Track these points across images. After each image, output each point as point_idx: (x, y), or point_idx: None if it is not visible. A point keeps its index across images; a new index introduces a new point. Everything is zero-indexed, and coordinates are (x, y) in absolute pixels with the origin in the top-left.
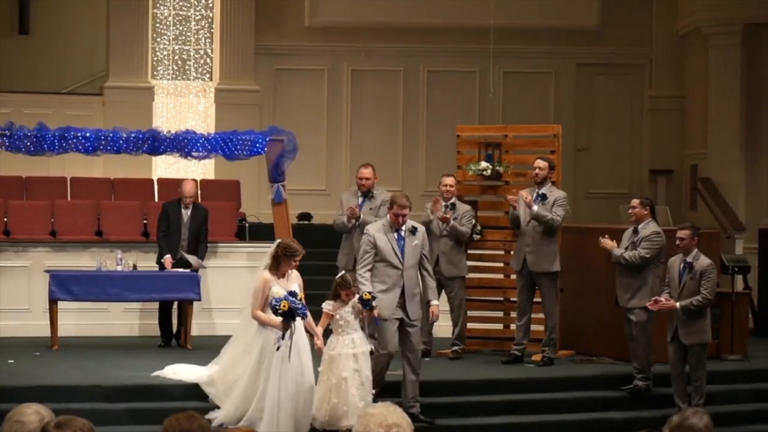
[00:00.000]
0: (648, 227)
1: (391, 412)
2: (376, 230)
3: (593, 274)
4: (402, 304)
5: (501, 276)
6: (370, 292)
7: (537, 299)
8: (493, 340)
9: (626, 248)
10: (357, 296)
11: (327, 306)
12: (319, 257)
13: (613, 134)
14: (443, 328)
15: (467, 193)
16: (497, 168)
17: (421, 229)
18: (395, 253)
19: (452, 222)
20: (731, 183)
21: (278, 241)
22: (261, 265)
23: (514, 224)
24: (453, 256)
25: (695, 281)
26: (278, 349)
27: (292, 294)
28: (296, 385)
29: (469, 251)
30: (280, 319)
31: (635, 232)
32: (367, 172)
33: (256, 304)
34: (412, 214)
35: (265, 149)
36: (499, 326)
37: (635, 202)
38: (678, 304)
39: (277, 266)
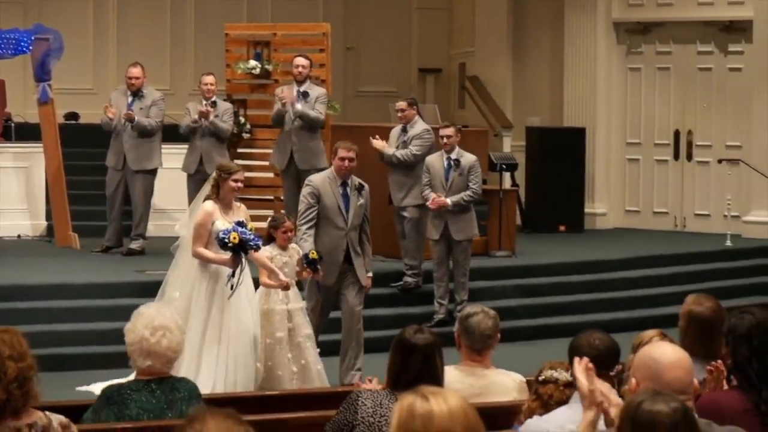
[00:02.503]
0: (417, 126)
1: (160, 314)
2: (320, 181)
3: (364, 173)
4: (346, 271)
5: (270, 175)
6: (318, 251)
7: None
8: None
9: (397, 147)
10: (302, 254)
11: (264, 252)
12: (86, 157)
13: (382, 33)
14: None
15: (236, 92)
16: (266, 67)
17: (367, 187)
18: (340, 210)
19: (212, 118)
20: (499, 81)
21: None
22: (200, 197)
23: (277, 122)
24: (215, 155)
25: (463, 177)
26: (232, 288)
27: (240, 224)
28: (251, 332)
29: (238, 150)
30: (228, 254)
31: (404, 131)
32: (135, 71)
33: (198, 240)
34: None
35: (30, 48)
36: None
37: (403, 104)
38: (449, 200)
39: (218, 193)
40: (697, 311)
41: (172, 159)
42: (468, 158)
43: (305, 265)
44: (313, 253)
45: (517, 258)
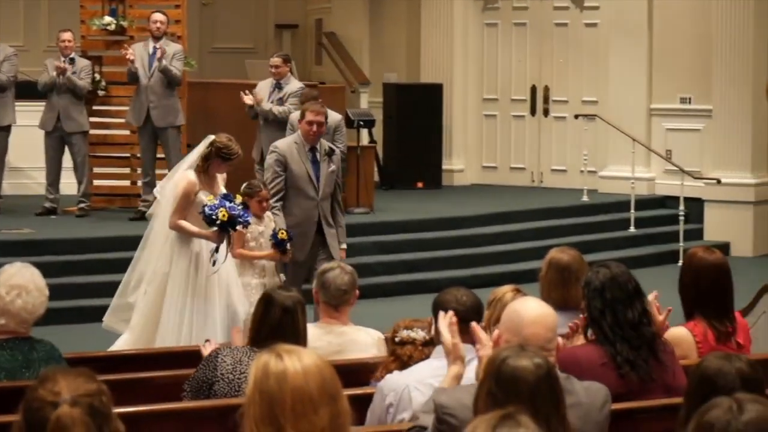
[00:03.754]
0: (292, 83)
1: (20, 274)
2: (287, 147)
3: (220, 128)
4: (317, 244)
5: (127, 132)
6: (286, 230)
7: (161, 155)
8: (119, 197)
9: (271, 103)
10: (271, 231)
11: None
12: None
13: None
14: (68, 185)
15: (91, 49)
16: (121, 23)
17: (338, 151)
18: (310, 179)
19: (69, 74)
20: (356, 37)
21: (211, 137)
22: (184, 164)
23: (132, 79)
24: (73, 112)
25: (329, 136)
26: (214, 264)
27: (227, 197)
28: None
29: (94, 107)
30: (211, 229)
31: (279, 87)
32: None
33: (179, 212)
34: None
35: None
36: (126, 183)
37: (277, 60)
38: None
39: (207, 169)
40: (557, 257)
41: (28, 116)
42: (333, 117)
43: (273, 246)
44: (282, 233)
45: (375, 215)
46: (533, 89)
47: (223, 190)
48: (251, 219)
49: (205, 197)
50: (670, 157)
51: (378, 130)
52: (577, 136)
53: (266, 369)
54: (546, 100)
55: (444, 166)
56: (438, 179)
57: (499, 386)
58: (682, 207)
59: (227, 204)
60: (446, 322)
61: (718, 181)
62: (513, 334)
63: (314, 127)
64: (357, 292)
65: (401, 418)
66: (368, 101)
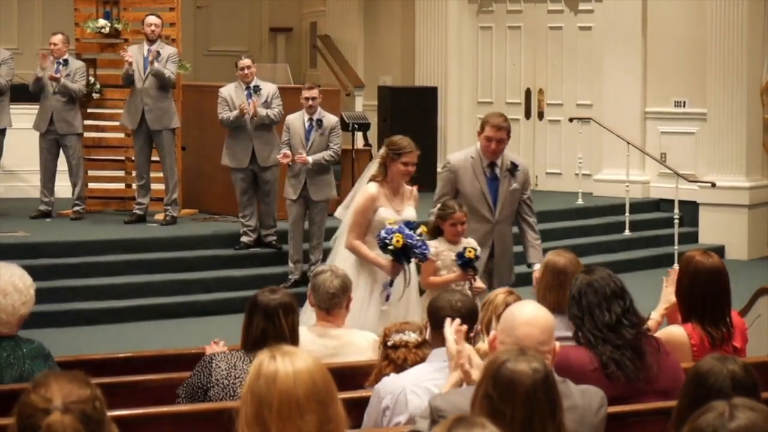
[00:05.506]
0: (267, 84)
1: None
2: (461, 162)
3: (214, 132)
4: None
5: (122, 135)
6: (474, 248)
7: (156, 158)
8: (114, 200)
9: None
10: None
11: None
12: None
13: None
14: (63, 188)
15: (85, 51)
16: (116, 26)
17: (522, 167)
18: (485, 198)
19: (63, 80)
20: (350, 40)
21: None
22: (365, 176)
23: (127, 81)
24: (67, 114)
25: (324, 137)
26: (387, 299)
27: (409, 225)
28: None
29: (89, 110)
30: (388, 258)
31: (256, 90)
32: None
33: (355, 230)
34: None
35: None
36: (121, 185)
37: (248, 61)
38: (310, 159)
39: (385, 174)
40: (553, 260)
41: (24, 119)
42: (330, 119)
43: (460, 266)
44: (469, 251)
45: None
46: (528, 92)
47: (413, 212)
48: (444, 246)
49: (387, 215)
50: (664, 161)
51: (373, 134)
52: (572, 140)
53: (259, 369)
54: (540, 103)
55: (439, 169)
56: (433, 182)
57: (496, 389)
58: (676, 210)
59: (406, 231)
60: (452, 328)
61: (713, 185)
62: (507, 334)
63: (493, 144)
64: (351, 296)
65: (397, 421)
66: (363, 104)
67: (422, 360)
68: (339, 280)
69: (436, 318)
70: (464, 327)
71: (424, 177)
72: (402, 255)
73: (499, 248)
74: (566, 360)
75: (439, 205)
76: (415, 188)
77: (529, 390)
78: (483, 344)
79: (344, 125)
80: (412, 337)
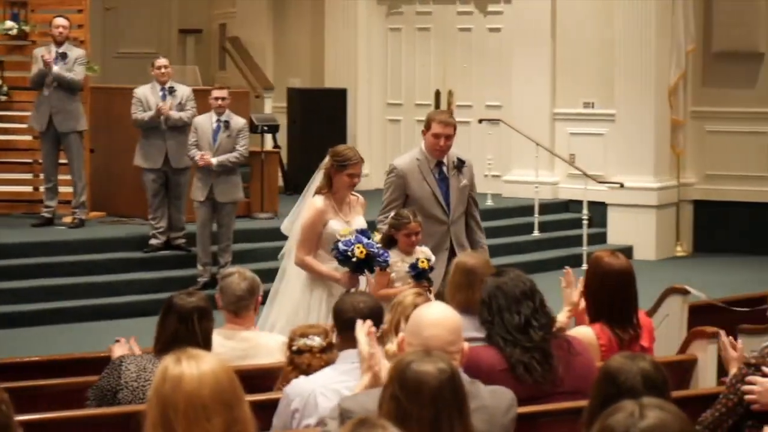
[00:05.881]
0: (181, 87)
1: None
2: (407, 165)
3: (124, 134)
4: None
5: (29, 138)
6: (428, 259)
7: (64, 160)
8: (22, 203)
9: (170, 109)
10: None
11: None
12: None
13: None
14: None
15: None
16: (23, 27)
17: (468, 162)
18: (437, 199)
19: None
20: (259, 42)
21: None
22: (310, 189)
23: (36, 84)
24: None
25: (231, 139)
26: None
27: (365, 234)
28: None
29: None
30: (343, 270)
31: (171, 92)
32: None
33: (305, 245)
34: None
35: None
36: (29, 189)
37: (165, 61)
38: (215, 160)
39: (330, 185)
40: (462, 260)
41: None
42: (237, 121)
43: (413, 278)
44: (423, 262)
45: (280, 219)
46: (437, 94)
47: (362, 221)
48: (398, 257)
49: (338, 227)
50: (573, 162)
51: (282, 135)
52: (481, 141)
53: (164, 373)
54: (450, 104)
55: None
56: None
57: (403, 390)
58: (585, 211)
59: (364, 240)
60: (363, 330)
61: (621, 185)
62: (414, 336)
63: (441, 141)
64: (259, 298)
65: (307, 423)
66: (272, 106)
67: (327, 365)
68: (247, 282)
69: (340, 321)
70: (374, 329)
71: None
72: (365, 266)
73: (459, 247)
74: (476, 360)
75: (392, 215)
76: (361, 196)
77: (435, 390)
78: (391, 345)
79: (253, 127)
80: (316, 341)
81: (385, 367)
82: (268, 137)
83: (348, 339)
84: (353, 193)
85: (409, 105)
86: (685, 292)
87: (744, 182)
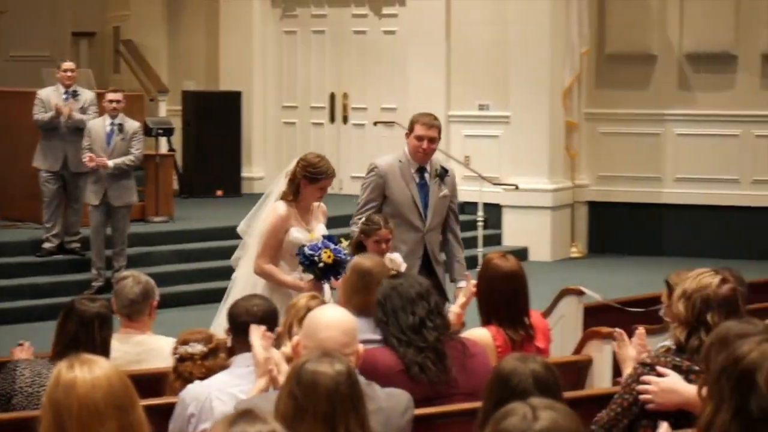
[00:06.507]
0: (85, 91)
1: None
2: (388, 166)
3: (18, 138)
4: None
5: None
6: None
7: None
8: None
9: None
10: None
11: None
12: None
13: None
14: None
15: None
16: None
17: (452, 172)
18: (416, 205)
19: None
20: (154, 45)
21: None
22: (272, 193)
23: None
24: None
25: (126, 142)
26: None
27: (330, 239)
28: None
29: None
30: (307, 278)
31: (74, 95)
32: None
33: (266, 253)
34: None
35: None
36: None
37: (72, 64)
38: (111, 163)
39: (296, 194)
40: (359, 262)
41: None
42: (132, 124)
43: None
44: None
45: (175, 223)
46: (332, 97)
47: (324, 229)
48: None
49: (300, 235)
50: (468, 164)
51: (177, 138)
52: (377, 143)
53: (57, 378)
54: (345, 107)
55: (243, 174)
56: (237, 187)
57: (299, 389)
58: (480, 213)
59: (331, 245)
60: (257, 334)
61: (516, 187)
62: (309, 338)
63: (425, 143)
64: (155, 302)
65: (203, 428)
66: (167, 109)
67: (209, 372)
68: (140, 286)
69: (234, 324)
70: (270, 333)
71: (230, 182)
72: (332, 272)
73: (434, 259)
74: (372, 362)
75: (362, 220)
76: (322, 203)
77: (331, 386)
78: (286, 348)
79: (148, 130)
80: (197, 348)
81: (284, 371)
82: (163, 140)
83: (243, 342)
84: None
85: (304, 108)
86: (580, 293)
87: (638, 183)
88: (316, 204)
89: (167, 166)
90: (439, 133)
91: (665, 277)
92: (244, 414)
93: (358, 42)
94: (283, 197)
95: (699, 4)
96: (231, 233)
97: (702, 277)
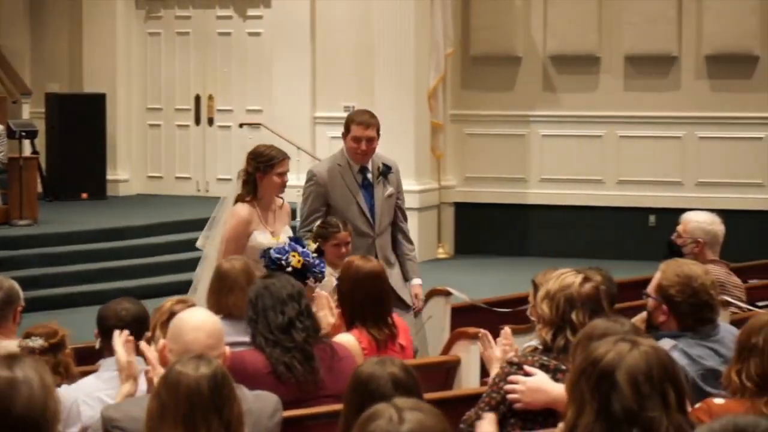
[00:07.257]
0: None
1: None
2: (326, 172)
3: None
4: None
5: None
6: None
7: None
8: None
9: None
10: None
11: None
12: None
13: None
14: None
15: None
16: None
17: (395, 168)
18: (361, 210)
19: None
20: (16, 47)
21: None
22: (228, 198)
23: None
24: None
25: None
26: None
27: (298, 241)
28: None
29: None
30: None
31: None
32: None
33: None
34: None
35: None
36: None
37: None
38: None
39: (254, 191)
40: (220, 265)
41: None
42: None
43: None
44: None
45: (39, 226)
46: (197, 99)
47: (290, 232)
48: (327, 270)
49: (263, 239)
50: None
51: (41, 141)
52: (242, 145)
53: None
54: (210, 109)
55: (108, 177)
56: (103, 190)
57: (164, 389)
58: None
59: (299, 249)
60: (121, 339)
61: None
62: (175, 341)
63: (363, 145)
64: (19, 307)
65: None
66: (30, 112)
67: (52, 369)
68: (2, 292)
69: (103, 328)
70: (132, 338)
71: (95, 184)
72: (299, 276)
73: (385, 261)
74: (241, 364)
75: (319, 223)
76: (286, 202)
77: (192, 387)
78: (150, 353)
79: (11, 133)
80: (37, 343)
81: (159, 372)
82: (27, 143)
83: (111, 346)
84: (279, 196)
85: (168, 110)
86: (448, 294)
87: (504, 184)
88: (279, 202)
89: (31, 169)
90: (378, 130)
91: (532, 277)
92: None
93: (222, 44)
94: (241, 199)
95: (562, 6)
96: (97, 236)
97: (564, 277)
